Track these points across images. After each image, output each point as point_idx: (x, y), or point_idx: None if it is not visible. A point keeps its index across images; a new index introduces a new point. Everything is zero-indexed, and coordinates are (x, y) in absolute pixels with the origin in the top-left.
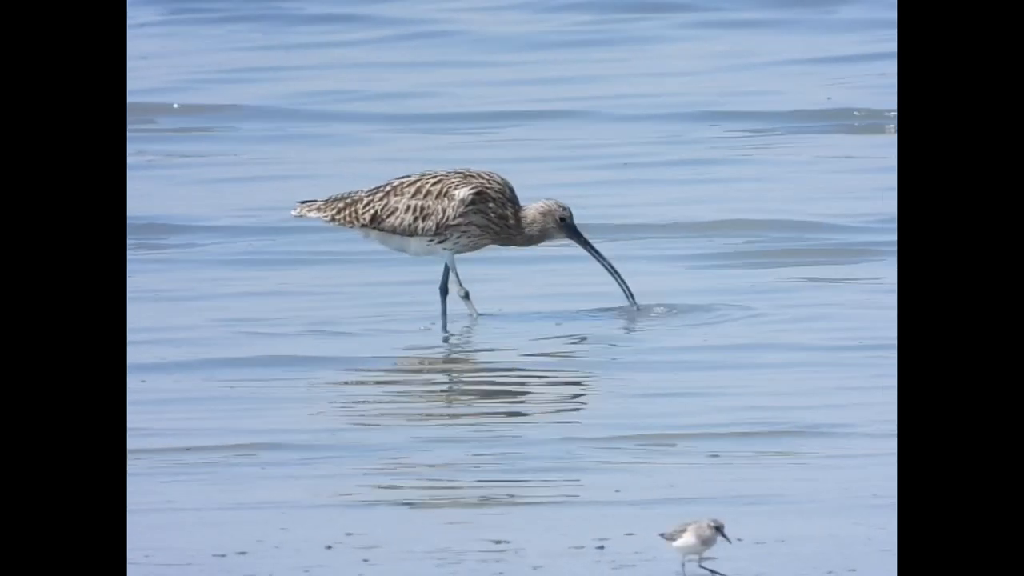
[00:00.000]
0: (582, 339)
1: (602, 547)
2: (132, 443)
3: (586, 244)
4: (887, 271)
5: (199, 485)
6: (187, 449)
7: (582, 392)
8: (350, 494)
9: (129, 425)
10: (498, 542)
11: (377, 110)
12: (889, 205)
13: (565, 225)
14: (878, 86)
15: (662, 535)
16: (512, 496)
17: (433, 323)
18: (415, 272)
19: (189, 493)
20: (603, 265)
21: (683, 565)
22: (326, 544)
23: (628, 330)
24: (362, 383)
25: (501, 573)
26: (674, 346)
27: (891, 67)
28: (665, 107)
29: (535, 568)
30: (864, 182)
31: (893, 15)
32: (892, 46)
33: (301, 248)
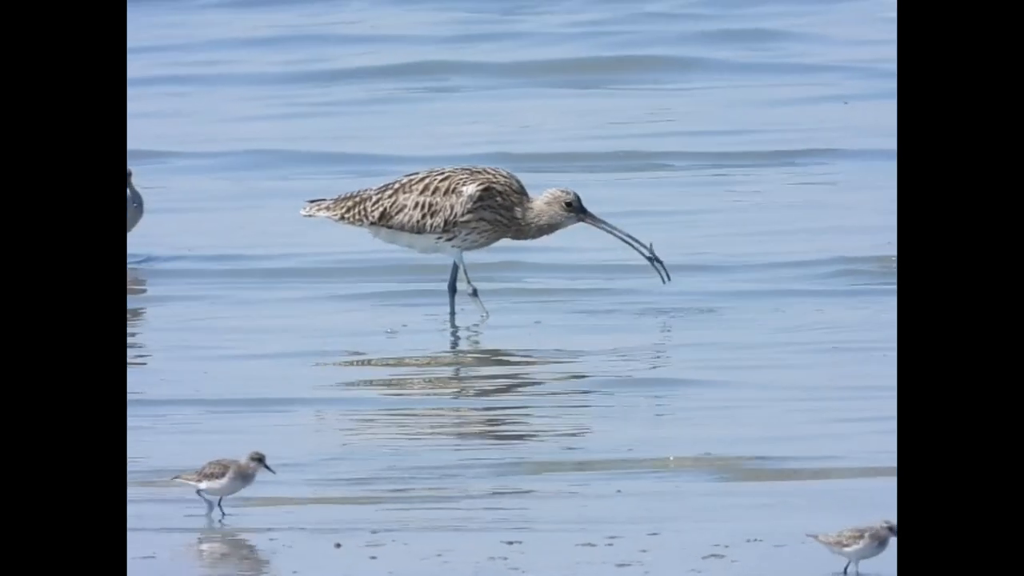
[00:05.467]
0: (598, 347)
1: (611, 545)
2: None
3: (600, 223)
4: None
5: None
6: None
7: (589, 408)
8: (362, 498)
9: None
10: (510, 543)
11: None
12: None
13: (573, 209)
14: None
15: (815, 536)
16: (523, 507)
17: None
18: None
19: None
20: (623, 240)
21: (847, 568)
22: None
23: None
24: (369, 385)
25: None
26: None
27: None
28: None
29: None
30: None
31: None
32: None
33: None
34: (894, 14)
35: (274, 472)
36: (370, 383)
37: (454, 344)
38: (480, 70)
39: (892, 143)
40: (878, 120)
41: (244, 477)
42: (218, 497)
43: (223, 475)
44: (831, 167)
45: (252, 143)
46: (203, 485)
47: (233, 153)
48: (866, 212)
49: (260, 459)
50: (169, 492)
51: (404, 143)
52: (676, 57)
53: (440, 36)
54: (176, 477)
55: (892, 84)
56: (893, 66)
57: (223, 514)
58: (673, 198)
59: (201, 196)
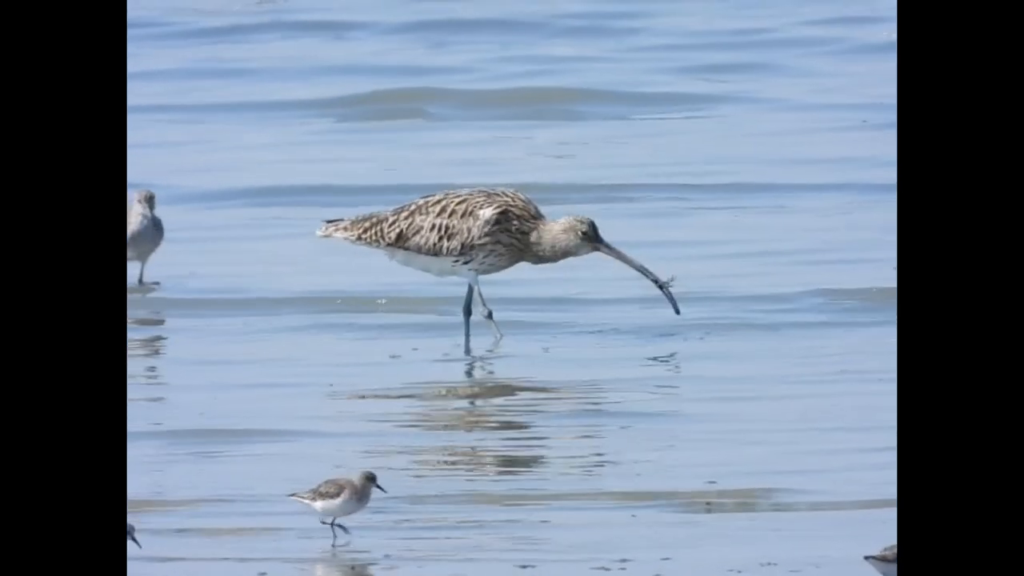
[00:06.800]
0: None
1: (624, 569)
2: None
3: (615, 253)
4: None
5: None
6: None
7: (599, 438)
8: (375, 524)
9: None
10: (523, 567)
11: None
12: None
13: (588, 237)
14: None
15: (874, 556)
16: (536, 534)
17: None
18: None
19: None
20: (638, 269)
21: None
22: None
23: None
24: (387, 418)
25: None
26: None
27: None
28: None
29: None
30: None
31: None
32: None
33: None
34: (862, 46)
35: (385, 491)
36: (383, 411)
37: (467, 372)
38: (449, 99)
39: (869, 175)
40: (847, 151)
41: (360, 497)
42: (332, 517)
43: (338, 495)
44: (805, 200)
45: (234, 174)
46: (318, 505)
47: (215, 185)
48: (844, 244)
49: (372, 479)
50: (181, 520)
51: (380, 173)
52: (639, 92)
53: (409, 65)
54: (291, 495)
55: (858, 117)
56: (861, 100)
57: (346, 531)
58: (640, 231)
59: (185, 227)
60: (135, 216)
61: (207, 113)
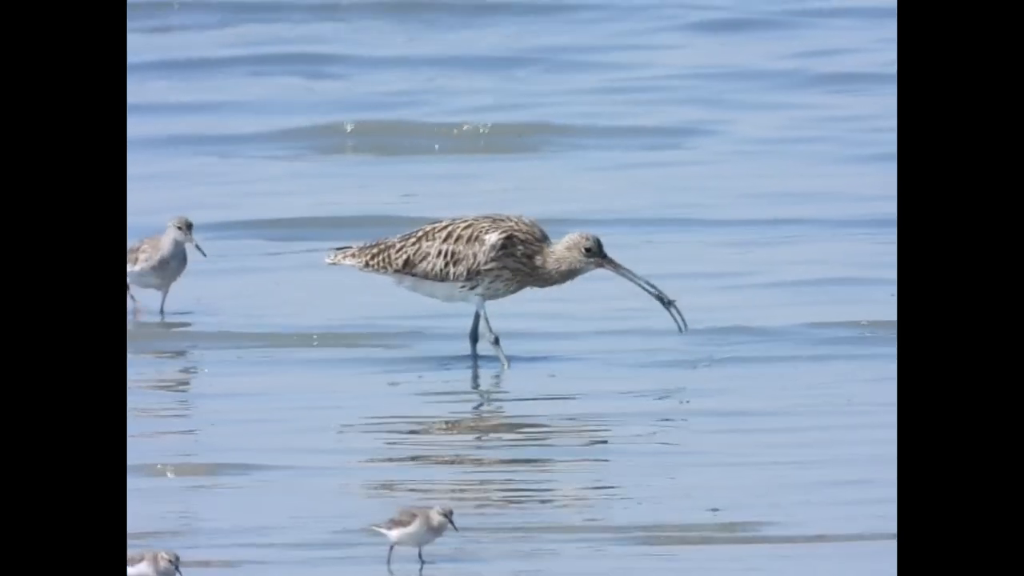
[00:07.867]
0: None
1: None
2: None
3: (620, 269)
4: None
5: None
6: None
7: (608, 470)
8: (383, 557)
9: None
10: None
11: None
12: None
13: (592, 255)
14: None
15: None
16: (544, 566)
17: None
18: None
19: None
20: (643, 288)
21: None
22: None
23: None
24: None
25: None
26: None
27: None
28: None
29: None
30: None
31: None
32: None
33: None
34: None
35: (457, 529)
36: (389, 444)
37: (475, 406)
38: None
39: (854, 208)
40: (824, 185)
41: (433, 529)
42: (407, 545)
43: (411, 523)
44: (792, 231)
45: (218, 209)
46: (393, 534)
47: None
48: (835, 277)
49: (447, 515)
50: (200, 552)
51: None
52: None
53: (388, 100)
54: (372, 525)
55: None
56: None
57: (422, 560)
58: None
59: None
60: (167, 241)
61: (188, 146)
